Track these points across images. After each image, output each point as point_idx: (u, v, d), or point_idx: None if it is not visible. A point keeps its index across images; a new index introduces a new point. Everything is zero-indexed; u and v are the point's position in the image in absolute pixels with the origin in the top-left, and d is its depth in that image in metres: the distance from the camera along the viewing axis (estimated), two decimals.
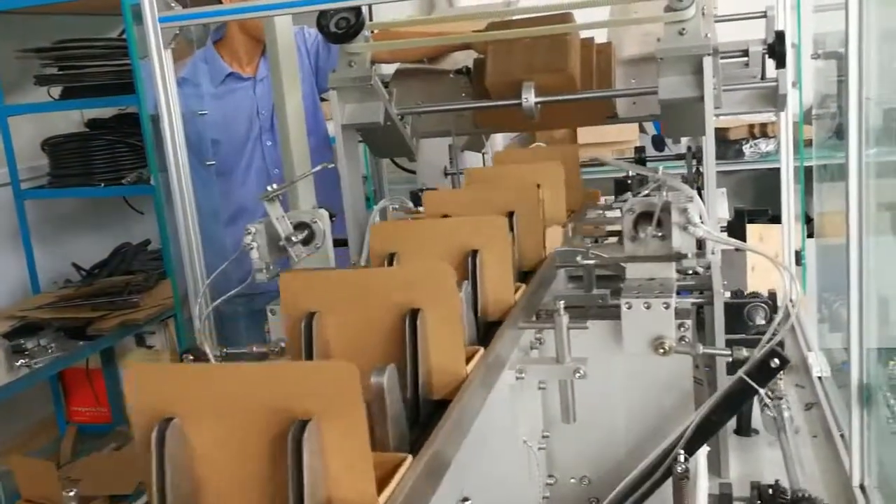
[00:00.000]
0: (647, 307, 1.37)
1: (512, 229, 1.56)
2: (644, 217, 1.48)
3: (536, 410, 1.49)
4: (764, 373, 1.30)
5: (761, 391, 1.32)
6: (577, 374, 1.29)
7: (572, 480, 1.53)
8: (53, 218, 3.84)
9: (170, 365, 0.94)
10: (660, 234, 1.47)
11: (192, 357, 1.41)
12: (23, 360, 2.82)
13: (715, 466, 1.71)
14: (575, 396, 1.35)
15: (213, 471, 0.87)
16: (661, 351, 1.37)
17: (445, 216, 1.66)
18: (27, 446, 3.58)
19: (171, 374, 0.90)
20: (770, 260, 1.56)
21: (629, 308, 1.36)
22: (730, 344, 1.84)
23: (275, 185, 1.61)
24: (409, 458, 0.90)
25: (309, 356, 1.14)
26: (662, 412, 1.45)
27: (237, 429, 0.86)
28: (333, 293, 1.16)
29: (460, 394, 1.07)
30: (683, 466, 1.28)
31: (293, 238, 1.61)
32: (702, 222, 1.65)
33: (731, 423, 1.94)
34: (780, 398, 1.81)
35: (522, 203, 1.63)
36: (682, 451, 1.30)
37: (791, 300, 1.52)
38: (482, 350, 1.20)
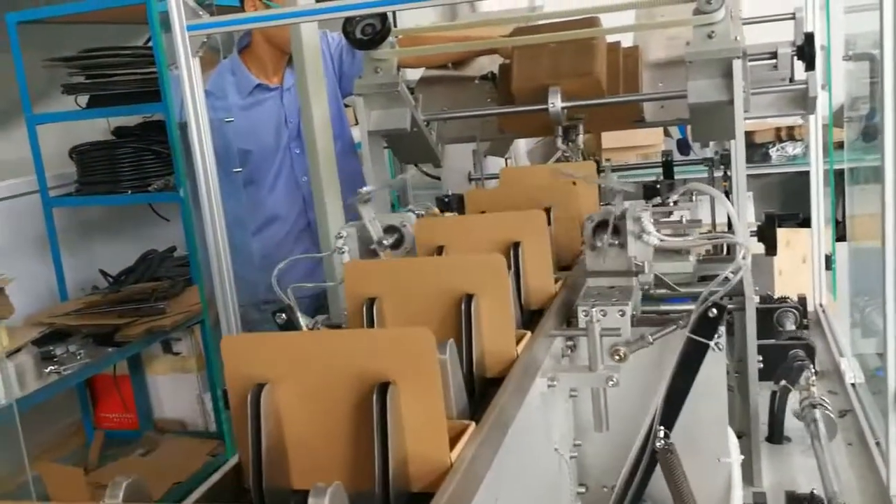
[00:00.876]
0: (604, 314, 1.38)
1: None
2: (603, 226, 1.51)
3: (568, 418, 1.47)
4: (707, 326, 1.36)
5: (711, 343, 1.37)
6: (611, 383, 1.28)
7: (604, 489, 1.52)
8: (80, 225, 3.87)
9: (257, 334, 1.00)
10: (616, 242, 1.49)
11: (283, 315, 1.39)
12: (52, 367, 2.84)
13: (748, 475, 1.69)
14: (607, 404, 1.34)
15: (301, 430, 0.96)
16: (617, 357, 1.37)
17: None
18: (56, 452, 3.61)
19: (260, 342, 0.98)
20: (735, 241, 1.56)
21: (585, 316, 1.37)
22: (761, 349, 1.83)
23: (363, 190, 1.61)
24: (473, 425, 0.98)
25: None
26: (696, 419, 1.43)
27: (322, 391, 0.94)
28: (393, 280, 1.26)
29: (513, 371, 1.17)
30: (663, 441, 1.33)
31: (384, 241, 1.61)
32: (730, 226, 1.64)
33: (764, 431, 1.91)
34: (815, 406, 1.79)
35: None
36: (661, 427, 1.34)
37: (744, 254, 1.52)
38: (529, 333, 1.28)
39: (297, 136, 2.76)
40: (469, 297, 1.20)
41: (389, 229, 1.66)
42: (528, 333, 1.29)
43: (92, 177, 3.45)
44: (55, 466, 3.20)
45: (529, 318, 1.43)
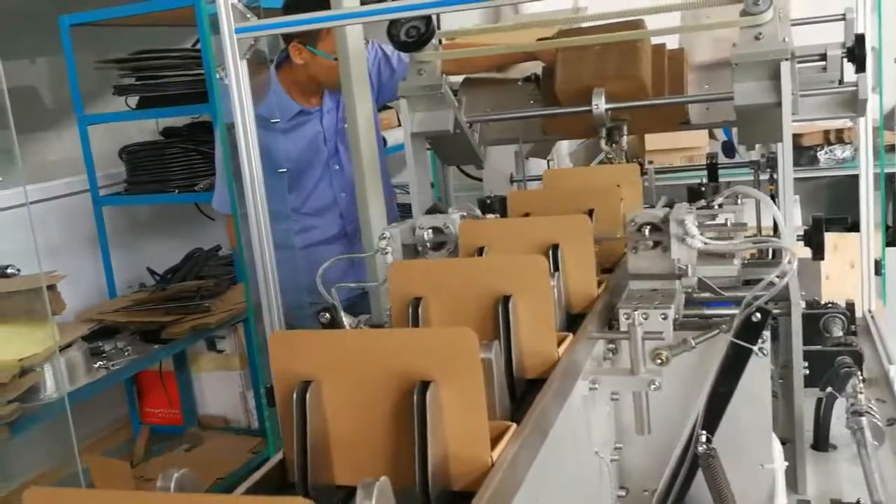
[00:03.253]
0: (646, 318, 1.37)
1: None
2: (646, 228, 1.49)
3: (609, 421, 1.47)
4: (751, 330, 1.35)
5: (754, 348, 1.35)
6: (653, 386, 1.27)
7: (644, 493, 1.51)
8: (129, 223, 3.96)
9: (305, 332, 1.00)
10: (660, 244, 1.49)
11: (328, 315, 1.41)
12: (101, 363, 2.91)
13: (792, 482, 1.66)
14: (649, 408, 1.33)
15: (345, 426, 0.97)
16: (659, 361, 1.36)
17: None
18: (102, 445, 3.69)
19: (307, 340, 0.99)
20: (780, 246, 1.54)
21: (627, 319, 1.36)
22: (807, 355, 1.80)
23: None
24: (514, 425, 0.99)
25: None
26: (739, 424, 1.42)
27: (366, 389, 0.95)
28: (436, 280, 1.26)
29: (554, 373, 1.15)
30: (705, 446, 1.31)
31: (428, 244, 1.63)
32: (776, 230, 1.63)
33: (809, 438, 1.88)
34: (862, 414, 1.76)
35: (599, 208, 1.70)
36: (703, 432, 1.32)
37: (790, 258, 1.49)
38: (571, 335, 1.28)
39: (335, 154, 2.80)
40: (507, 298, 1.20)
41: (433, 231, 1.67)
42: (570, 335, 1.28)
43: (141, 176, 3.53)
44: (102, 459, 3.27)
45: (572, 322, 1.42)
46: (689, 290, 1.59)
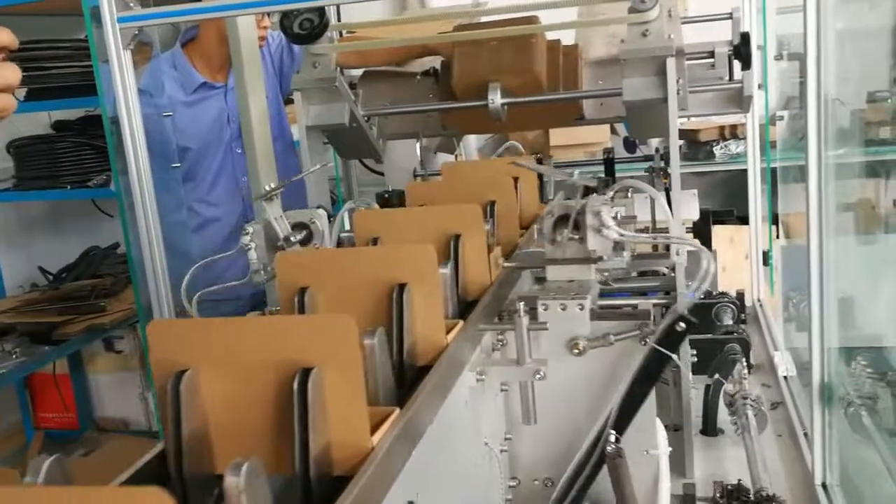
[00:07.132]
0: (563, 308, 1.38)
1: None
2: (563, 220, 1.51)
3: (498, 412, 1.48)
4: (673, 338, 1.35)
5: (674, 357, 1.36)
6: (538, 376, 1.28)
7: (535, 482, 1.53)
8: (21, 221, 3.79)
9: (184, 320, 1.10)
10: (577, 236, 1.50)
11: None
12: None
13: (679, 467, 1.72)
14: (536, 398, 1.35)
15: (224, 416, 0.96)
16: (576, 351, 1.39)
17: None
18: None
19: (185, 328, 0.98)
20: (688, 242, 1.60)
21: (545, 310, 1.37)
22: (698, 344, 1.86)
23: (271, 185, 1.59)
24: (397, 410, 1.00)
25: None
26: None
27: (245, 377, 0.95)
28: (324, 270, 1.26)
29: (442, 358, 1.19)
30: (614, 446, 1.32)
31: (291, 238, 1.60)
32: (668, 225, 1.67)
33: (697, 424, 1.94)
34: (746, 398, 1.82)
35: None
36: (612, 432, 1.33)
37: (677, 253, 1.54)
38: (461, 322, 1.30)
39: (238, 136, 2.73)
40: (402, 287, 1.20)
41: (298, 226, 1.65)
42: (461, 322, 1.30)
43: (30, 171, 3.38)
44: None
45: (466, 309, 1.43)
46: (605, 277, 1.61)
